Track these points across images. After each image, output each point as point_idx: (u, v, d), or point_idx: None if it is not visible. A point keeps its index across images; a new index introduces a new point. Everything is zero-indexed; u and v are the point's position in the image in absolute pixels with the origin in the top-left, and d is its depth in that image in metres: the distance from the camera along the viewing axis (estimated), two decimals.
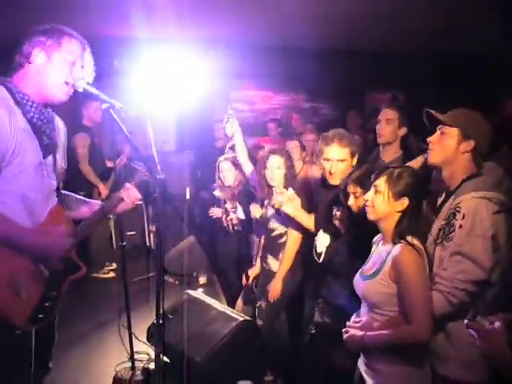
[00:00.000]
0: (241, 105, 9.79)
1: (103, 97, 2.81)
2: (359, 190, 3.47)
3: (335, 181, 4.00)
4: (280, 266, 4.50)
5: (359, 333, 2.92)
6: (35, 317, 2.76)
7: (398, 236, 2.90)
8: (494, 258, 2.85)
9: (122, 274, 4.36)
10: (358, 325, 3.00)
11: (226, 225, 5.58)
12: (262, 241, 4.89)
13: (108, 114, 2.80)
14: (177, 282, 6.17)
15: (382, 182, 2.97)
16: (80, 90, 2.80)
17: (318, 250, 4.13)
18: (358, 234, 3.46)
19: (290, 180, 4.56)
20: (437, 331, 2.91)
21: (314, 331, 3.76)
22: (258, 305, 4.58)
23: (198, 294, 4.40)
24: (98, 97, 2.82)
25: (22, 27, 2.81)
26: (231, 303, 5.21)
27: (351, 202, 3.52)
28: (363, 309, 3.08)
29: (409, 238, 2.87)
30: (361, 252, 3.25)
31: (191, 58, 7.46)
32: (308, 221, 4.20)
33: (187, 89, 7.21)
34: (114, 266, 7.31)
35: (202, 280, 6.56)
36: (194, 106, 8.18)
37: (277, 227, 4.60)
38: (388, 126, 4.65)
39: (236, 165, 5.45)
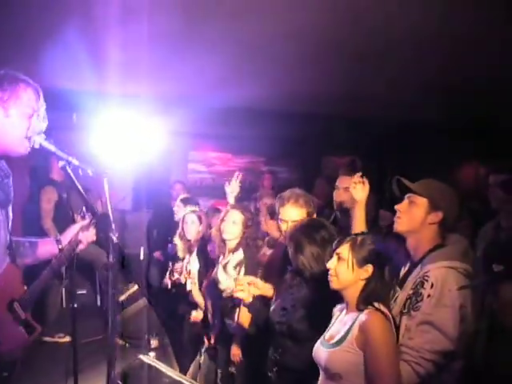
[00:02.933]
0: (199, 166, 9.76)
1: (59, 153, 2.69)
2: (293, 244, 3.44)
3: None
4: (238, 329, 4.37)
5: None
6: None
7: (364, 302, 2.82)
8: (460, 328, 2.81)
9: (72, 336, 4.13)
10: None
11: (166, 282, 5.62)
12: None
13: (65, 172, 2.70)
14: (127, 345, 5.96)
15: (345, 250, 2.90)
16: (36, 146, 2.68)
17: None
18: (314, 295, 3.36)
19: (247, 239, 4.49)
20: None
21: None
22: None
23: (151, 359, 4.20)
24: (54, 153, 2.70)
25: None
26: (183, 368, 5.06)
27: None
28: (322, 380, 2.92)
29: (376, 304, 2.79)
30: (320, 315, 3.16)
31: (150, 115, 7.43)
32: (268, 292, 4.00)
33: (146, 146, 7.15)
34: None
35: (154, 343, 6.34)
36: (153, 164, 8.11)
37: (227, 288, 4.48)
38: (345, 193, 4.64)
39: (200, 219, 5.44)
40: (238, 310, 4.32)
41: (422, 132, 8.42)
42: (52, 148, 2.70)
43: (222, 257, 4.65)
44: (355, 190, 3.71)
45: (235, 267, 4.43)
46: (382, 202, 5.51)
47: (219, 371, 4.59)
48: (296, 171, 9.88)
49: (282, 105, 8.35)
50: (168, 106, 7.79)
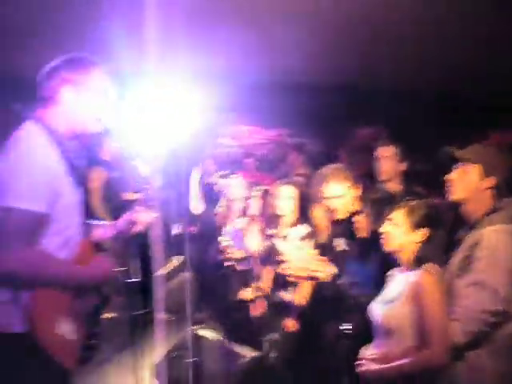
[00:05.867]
0: (228, 140, 9.77)
1: (119, 136, 2.80)
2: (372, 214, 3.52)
3: (339, 216, 4.02)
4: (296, 298, 4.44)
5: (375, 366, 2.97)
6: (84, 356, 2.72)
7: (417, 263, 3.02)
8: None
9: (129, 310, 4.23)
10: (373, 357, 3.04)
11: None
12: (267, 273, 4.86)
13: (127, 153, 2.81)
14: (172, 319, 6.05)
15: (398, 215, 3.03)
16: (107, 126, 2.77)
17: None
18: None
19: (302, 212, 4.55)
20: (456, 360, 2.97)
21: None
22: (269, 338, 4.51)
23: (203, 330, 4.30)
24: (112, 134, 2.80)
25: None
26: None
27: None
28: (376, 339, 3.14)
29: (428, 265, 2.99)
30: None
31: (181, 92, 7.45)
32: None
33: (175, 123, 7.18)
34: None
35: (199, 316, 6.44)
36: (182, 140, 8.13)
37: (289, 259, 4.54)
38: (386, 162, 4.68)
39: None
40: (297, 284, 4.41)
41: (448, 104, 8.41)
42: (118, 129, 2.79)
43: (275, 230, 4.69)
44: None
45: (302, 239, 4.48)
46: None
47: (267, 338, 4.65)
48: (322, 143, 9.84)
49: (309, 76, 8.35)
50: (198, 82, 7.82)
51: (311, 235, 4.51)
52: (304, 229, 4.54)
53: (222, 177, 6.36)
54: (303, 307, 4.40)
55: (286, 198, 4.60)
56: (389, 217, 3.14)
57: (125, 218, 3.17)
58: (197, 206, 6.05)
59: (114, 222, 3.22)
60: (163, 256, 7.35)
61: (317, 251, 4.11)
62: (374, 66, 7.63)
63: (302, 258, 4.15)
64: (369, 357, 3.06)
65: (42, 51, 2.89)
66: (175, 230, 7.64)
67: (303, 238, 4.50)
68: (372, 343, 3.17)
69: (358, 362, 3.11)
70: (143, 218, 3.18)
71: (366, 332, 3.33)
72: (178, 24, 5.93)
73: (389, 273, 3.27)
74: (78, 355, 2.68)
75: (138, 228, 3.19)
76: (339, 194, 4.07)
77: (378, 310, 3.11)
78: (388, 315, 3.01)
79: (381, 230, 3.15)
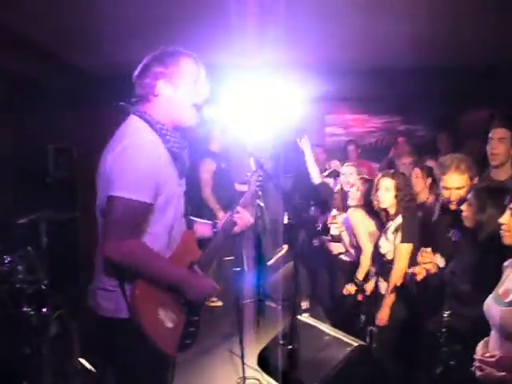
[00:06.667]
0: (336, 129, 9.77)
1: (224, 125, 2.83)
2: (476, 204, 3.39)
3: (453, 207, 3.95)
4: (386, 293, 4.42)
5: (499, 374, 2.63)
6: (183, 343, 2.79)
7: None
8: None
9: (235, 299, 4.32)
10: (493, 360, 2.68)
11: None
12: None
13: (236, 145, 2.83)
14: (279, 307, 6.13)
15: None
16: (206, 117, 2.83)
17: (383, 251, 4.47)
18: (485, 257, 3.30)
19: (403, 204, 4.47)
20: None
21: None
22: (370, 328, 4.49)
23: (309, 318, 4.33)
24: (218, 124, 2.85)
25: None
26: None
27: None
28: (495, 339, 2.81)
29: None
30: (491, 277, 3.09)
31: (285, 82, 7.48)
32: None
33: (282, 113, 7.23)
34: None
35: (305, 305, 6.49)
36: (290, 130, 8.18)
37: (388, 252, 4.52)
38: (501, 145, 4.50)
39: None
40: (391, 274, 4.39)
41: None
42: (226, 121, 2.83)
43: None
44: None
45: (393, 232, 4.46)
46: None
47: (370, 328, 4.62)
48: (432, 128, 9.61)
49: (415, 62, 8.16)
50: (302, 71, 7.84)
51: (400, 227, 4.45)
52: (398, 220, 4.48)
53: (335, 166, 6.33)
54: (399, 298, 4.34)
55: (385, 190, 4.53)
56: (510, 206, 2.95)
57: (226, 218, 3.18)
58: (316, 176, 6.02)
59: (215, 222, 3.23)
60: (272, 245, 7.48)
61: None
62: (488, 47, 7.31)
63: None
64: (488, 360, 2.70)
65: (147, 50, 2.95)
66: (285, 219, 7.72)
67: (394, 231, 4.44)
68: (489, 342, 2.84)
69: (477, 364, 2.76)
70: (243, 220, 3.17)
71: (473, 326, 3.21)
72: (284, 16, 5.94)
73: (506, 263, 3.06)
74: (178, 342, 2.76)
75: (238, 229, 3.19)
76: (458, 185, 3.99)
77: (496, 309, 2.76)
78: (508, 317, 2.67)
79: (500, 220, 2.98)
